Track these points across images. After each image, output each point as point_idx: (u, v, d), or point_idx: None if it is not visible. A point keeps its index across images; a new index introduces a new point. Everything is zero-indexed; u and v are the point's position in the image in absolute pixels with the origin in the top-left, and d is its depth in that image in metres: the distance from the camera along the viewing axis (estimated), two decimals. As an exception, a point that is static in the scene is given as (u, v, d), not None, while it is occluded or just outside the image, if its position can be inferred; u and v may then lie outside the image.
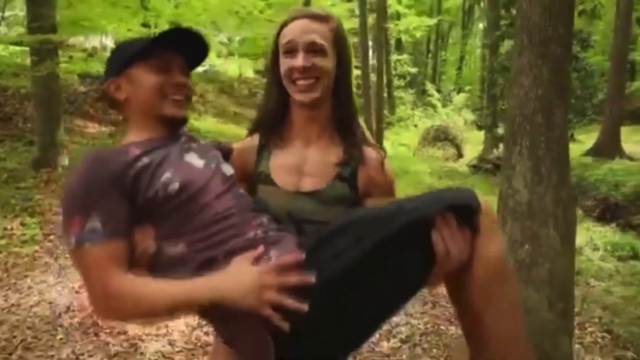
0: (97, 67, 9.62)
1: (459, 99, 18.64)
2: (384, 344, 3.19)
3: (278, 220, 1.23)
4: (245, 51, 14.26)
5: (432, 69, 27.63)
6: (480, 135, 13.94)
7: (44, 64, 6.53)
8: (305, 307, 0.99)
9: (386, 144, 13.59)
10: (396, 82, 19.85)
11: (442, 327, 3.48)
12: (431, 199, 1.06)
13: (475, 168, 11.41)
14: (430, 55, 28.39)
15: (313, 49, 1.23)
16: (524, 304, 2.41)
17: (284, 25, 1.28)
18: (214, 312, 1.06)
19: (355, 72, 15.76)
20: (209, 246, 1.07)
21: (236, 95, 14.72)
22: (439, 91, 20.11)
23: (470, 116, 17.08)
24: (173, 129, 1.22)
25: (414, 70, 21.08)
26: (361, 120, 1.39)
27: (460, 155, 14.34)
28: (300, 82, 1.24)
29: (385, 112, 16.88)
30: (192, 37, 1.21)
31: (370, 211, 1.13)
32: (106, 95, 1.23)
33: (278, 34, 1.29)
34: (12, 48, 8.15)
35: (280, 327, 0.99)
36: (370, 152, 1.32)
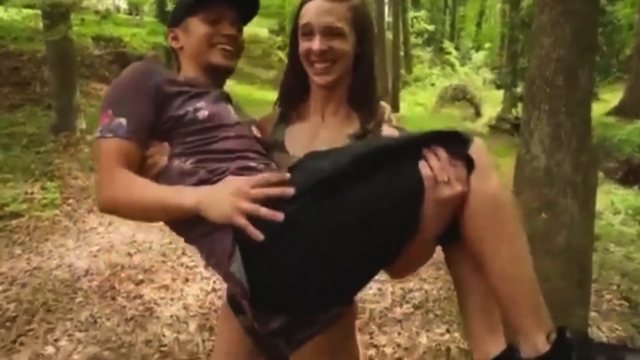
0: (111, 30, 9.54)
1: (477, 57, 18.18)
2: (397, 309, 3.20)
3: None
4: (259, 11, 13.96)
5: (450, 26, 26.76)
6: (499, 94, 13.61)
7: (57, 28, 6.48)
8: (280, 216, 0.97)
9: (402, 104, 13.39)
10: (413, 39, 19.35)
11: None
12: (420, 132, 1.02)
13: (493, 128, 11.20)
14: (448, 11, 27.45)
15: (330, 32, 1.21)
16: (538, 274, 2.38)
17: (302, 4, 1.27)
18: (196, 224, 1.08)
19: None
20: (214, 168, 1.13)
21: (250, 56, 14.53)
22: (457, 49, 19.58)
23: (489, 75, 16.66)
24: (219, 78, 1.33)
25: (431, 27, 20.50)
26: (384, 103, 1.34)
27: (478, 114, 14.08)
28: (317, 65, 1.24)
29: (402, 71, 16.55)
30: None
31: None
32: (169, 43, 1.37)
33: (297, 14, 1.28)
34: (25, 11, 8.10)
35: (253, 236, 0.97)
36: (388, 130, 1.28)
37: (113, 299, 3.21)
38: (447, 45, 19.22)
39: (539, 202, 2.41)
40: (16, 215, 4.73)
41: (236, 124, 1.22)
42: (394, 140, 1.02)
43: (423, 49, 20.11)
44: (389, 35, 14.03)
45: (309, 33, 1.23)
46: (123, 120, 1.13)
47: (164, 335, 2.79)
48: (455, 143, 0.99)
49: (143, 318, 2.97)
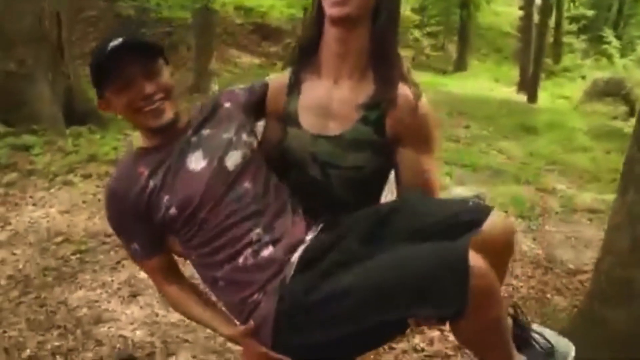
0: (251, 0, 10.12)
1: (643, 48, 15.92)
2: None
3: (300, 182, 1.27)
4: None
5: (617, 11, 23.64)
6: (663, 93, 11.87)
7: (199, -3, 7.08)
8: None
9: (542, 95, 12.31)
10: (567, 26, 17.55)
11: (548, 296, 3.21)
12: (429, 277, 0.97)
13: (646, 130, 9.83)
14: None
15: None
16: (634, 289, 2.13)
17: None
18: None
19: (519, 12, 14.23)
20: (210, 265, 1.19)
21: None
22: (619, 38, 17.34)
23: (654, 70, 14.56)
24: (170, 130, 1.21)
25: (590, 12, 18.36)
26: (403, 54, 1.26)
27: (632, 114, 12.44)
28: None
29: (549, 60, 15.16)
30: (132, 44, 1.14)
31: (368, 280, 1.03)
32: None
33: None
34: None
35: None
36: (404, 91, 1.20)
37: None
38: (608, 33, 17.11)
39: (645, 206, 2.12)
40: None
41: (207, 189, 1.16)
42: (396, 313, 1.01)
43: (576, 37, 18.15)
44: (538, 19, 12.87)
45: None
46: (136, 245, 1.24)
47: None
48: (451, 303, 0.96)
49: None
